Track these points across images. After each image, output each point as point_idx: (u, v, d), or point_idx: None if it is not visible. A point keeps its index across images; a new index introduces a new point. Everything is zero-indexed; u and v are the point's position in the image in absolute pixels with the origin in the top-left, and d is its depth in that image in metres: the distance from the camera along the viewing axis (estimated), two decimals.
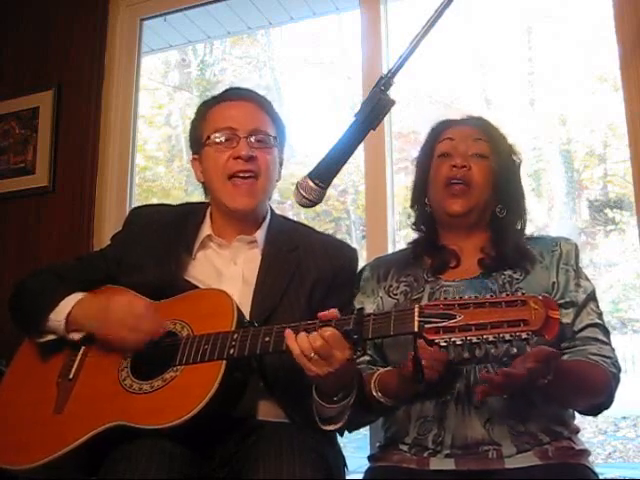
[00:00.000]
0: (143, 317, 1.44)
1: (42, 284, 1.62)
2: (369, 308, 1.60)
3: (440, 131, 1.68)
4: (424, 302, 1.45)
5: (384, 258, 1.77)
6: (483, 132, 1.63)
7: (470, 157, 1.58)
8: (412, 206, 1.73)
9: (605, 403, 1.46)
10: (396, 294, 1.61)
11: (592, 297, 1.53)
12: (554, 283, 1.52)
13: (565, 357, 1.44)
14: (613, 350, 1.49)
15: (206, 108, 1.70)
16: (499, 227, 1.61)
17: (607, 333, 1.52)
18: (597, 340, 1.48)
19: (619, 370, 1.47)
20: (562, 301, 1.49)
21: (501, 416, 1.41)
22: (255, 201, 1.63)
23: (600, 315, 1.53)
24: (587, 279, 1.56)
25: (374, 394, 1.46)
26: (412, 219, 1.73)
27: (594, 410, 1.49)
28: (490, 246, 1.60)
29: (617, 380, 1.46)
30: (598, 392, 1.44)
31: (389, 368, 1.52)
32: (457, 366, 1.42)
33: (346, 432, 1.58)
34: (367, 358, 1.60)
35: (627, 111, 2.13)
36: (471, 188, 1.57)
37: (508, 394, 1.32)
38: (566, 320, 1.49)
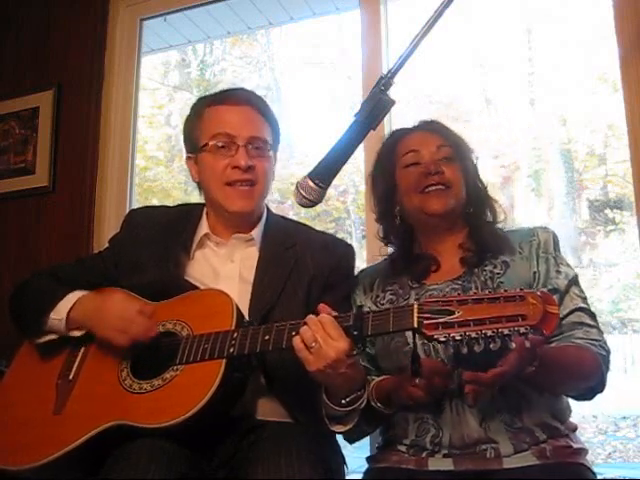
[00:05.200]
0: (132, 321, 1.44)
1: (42, 285, 1.63)
2: None
3: (398, 141, 1.67)
4: None
5: (369, 269, 1.77)
6: (444, 138, 1.65)
7: (439, 162, 1.59)
8: (379, 220, 1.72)
9: (597, 387, 1.45)
10: (383, 303, 1.61)
11: (574, 282, 1.53)
12: (535, 273, 1.52)
13: (552, 345, 1.43)
14: (601, 333, 1.49)
15: (202, 107, 1.68)
16: (473, 221, 1.63)
17: (593, 316, 1.51)
18: (583, 324, 1.48)
19: (608, 352, 1.47)
20: (545, 289, 1.49)
21: (496, 411, 1.41)
22: (253, 204, 1.64)
23: (585, 299, 1.52)
24: (568, 265, 1.56)
25: (372, 403, 1.47)
26: (381, 233, 1.72)
27: (587, 394, 1.48)
28: (469, 241, 1.61)
29: (607, 362, 1.45)
30: (587, 375, 1.44)
31: (385, 376, 1.54)
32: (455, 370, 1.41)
33: (347, 443, 1.60)
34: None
35: (627, 111, 2.13)
36: (450, 188, 1.58)
37: (497, 388, 1.32)
38: None
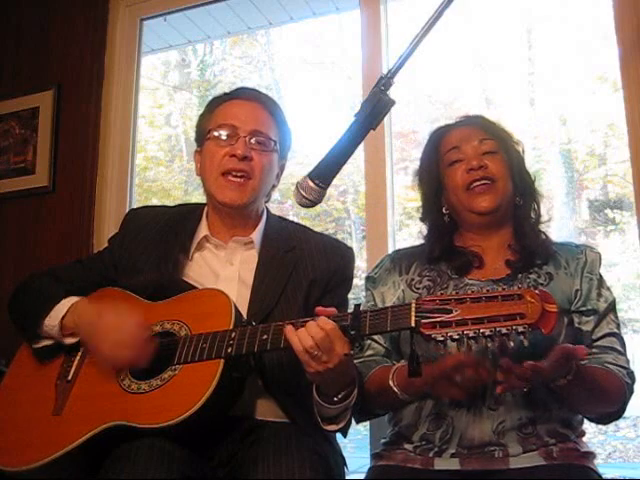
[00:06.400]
0: (126, 345, 1.40)
1: (39, 288, 1.62)
2: (390, 300, 1.60)
3: (441, 139, 1.66)
4: None
5: (406, 250, 1.74)
6: (485, 131, 1.63)
7: (482, 156, 1.58)
8: (424, 219, 1.69)
9: (617, 413, 1.47)
10: (419, 288, 1.60)
11: (612, 307, 1.54)
12: (577, 290, 1.52)
13: (584, 363, 1.43)
14: (628, 361, 1.50)
15: (215, 104, 1.71)
16: (520, 218, 1.61)
17: (624, 344, 1.52)
18: (614, 350, 1.50)
19: (633, 381, 1.48)
20: (583, 308, 1.51)
21: (515, 418, 1.41)
22: (244, 198, 1.62)
23: (619, 325, 1.54)
24: (608, 289, 1.56)
25: (392, 387, 1.46)
26: (423, 233, 1.69)
27: (605, 419, 1.50)
28: (516, 241, 1.59)
29: (631, 391, 1.47)
30: (612, 400, 1.45)
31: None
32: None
33: (351, 427, 1.58)
34: (382, 350, 1.60)
35: (627, 111, 2.13)
36: (495, 183, 1.57)
37: (528, 387, 1.32)
38: (586, 328, 1.50)
